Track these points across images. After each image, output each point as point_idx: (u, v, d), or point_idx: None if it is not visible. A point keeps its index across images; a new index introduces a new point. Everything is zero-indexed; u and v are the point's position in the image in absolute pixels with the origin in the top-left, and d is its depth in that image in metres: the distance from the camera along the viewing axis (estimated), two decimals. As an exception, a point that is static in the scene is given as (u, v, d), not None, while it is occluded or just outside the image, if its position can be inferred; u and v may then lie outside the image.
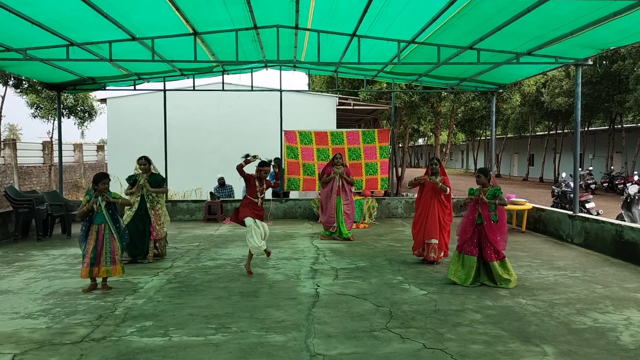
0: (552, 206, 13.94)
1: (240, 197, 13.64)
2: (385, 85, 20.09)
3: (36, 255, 8.53)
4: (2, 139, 20.42)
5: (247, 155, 7.25)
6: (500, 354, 4.32)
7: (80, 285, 6.41)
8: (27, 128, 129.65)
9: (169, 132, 13.60)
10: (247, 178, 7.24)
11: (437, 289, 6.34)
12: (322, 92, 24.45)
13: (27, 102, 21.45)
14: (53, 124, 22.80)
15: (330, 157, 12.09)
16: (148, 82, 13.16)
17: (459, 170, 61.24)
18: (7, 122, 51.74)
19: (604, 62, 24.88)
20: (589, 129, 34.26)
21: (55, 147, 21.06)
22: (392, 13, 7.87)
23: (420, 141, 66.98)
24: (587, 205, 13.43)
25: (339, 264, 7.79)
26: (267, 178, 7.37)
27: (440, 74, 11.96)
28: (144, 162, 8.01)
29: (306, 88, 33.10)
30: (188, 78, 13.04)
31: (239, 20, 8.67)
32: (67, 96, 21.36)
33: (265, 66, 12.74)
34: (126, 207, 7.88)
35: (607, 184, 28.10)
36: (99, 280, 6.40)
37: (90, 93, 21.65)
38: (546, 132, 39.24)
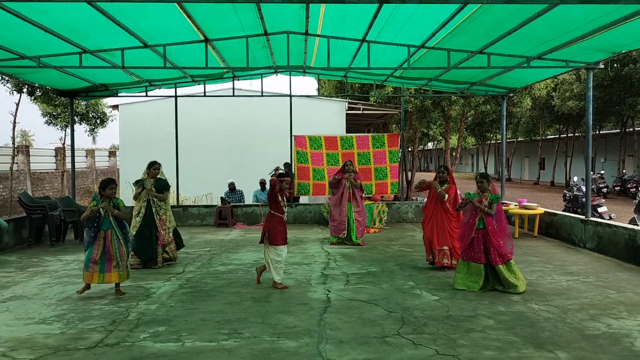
0: (563, 210, 13.85)
1: (251, 202, 13.76)
2: (393, 89, 20.09)
3: (49, 261, 8.62)
4: (15, 146, 20.59)
5: (277, 169, 7.06)
6: (514, 360, 4.30)
7: (94, 290, 6.45)
8: (40, 134, 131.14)
9: (179, 138, 13.68)
10: (276, 194, 6.81)
11: (449, 295, 6.32)
12: (331, 97, 24.50)
13: (41, 111, 21.68)
14: (65, 130, 22.99)
15: (340, 162, 12.14)
16: (159, 88, 13.28)
17: (469, 174, 60.97)
18: (20, 128, 52.26)
19: (615, 65, 24.73)
20: (601, 132, 34.02)
21: (68, 152, 21.29)
22: (402, 18, 7.90)
23: (430, 145, 66.83)
24: (600, 210, 13.34)
25: (349, 269, 7.80)
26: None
27: (450, 78, 11.96)
28: (158, 166, 8.15)
29: (315, 93, 33.18)
30: (199, 84, 13.14)
31: (250, 26, 8.74)
32: (79, 103, 21.54)
33: (275, 72, 12.82)
34: (135, 213, 7.97)
35: (619, 188, 27.87)
36: (110, 285, 6.44)
37: (101, 99, 21.81)
38: (557, 136, 39.00)
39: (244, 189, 14.42)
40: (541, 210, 11.15)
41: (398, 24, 8.15)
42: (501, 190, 13.83)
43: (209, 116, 20.68)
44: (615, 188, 28.15)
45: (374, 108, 24.18)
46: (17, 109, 19.40)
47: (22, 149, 23.22)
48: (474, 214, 6.66)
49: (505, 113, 13.68)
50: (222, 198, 13.63)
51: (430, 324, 5.18)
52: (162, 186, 8.13)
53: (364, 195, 10.53)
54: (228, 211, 12.93)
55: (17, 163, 21.66)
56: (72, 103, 13.05)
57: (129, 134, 20.89)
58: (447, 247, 7.70)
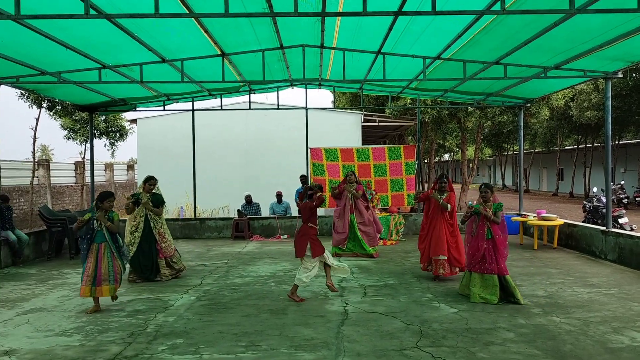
0: (583, 222, 13.64)
1: (268, 215, 13.78)
2: (409, 101, 20.07)
3: (69, 274, 8.71)
4: (36, 160, 20.94)
5: (307, 188, 7.12)
6: (535, 373, 4.23)
7: (110, 303, 6.50)
8: (59, 148, 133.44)
9: (196, 151, 13.79)
10: (316, 207, 6.91)
11: (468, 307, 6.25)
12: (347, 109, 24.54)
13: (61, 125, 22.04)
14: (85, 145, 23.33)
15: (357, 174, 12.12)
16: (177, 102, 13.41)
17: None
18: (40, 143, 53.20)
19: (634, 74, 24.42)
20: (620, 142, 33.56)
21: (87, 166, 21.57)
22: (417, 30, 7.91)
23: (447, 156, 66.44)
24: (620, 221, 13.11)
25: (367, 282, 7.76)
26: (294, 197, 7.33)
27: (466, 89, 11.92)
28: (154, 182, 8.23)
29: (331, 105, 33.27)
30: (216, 98, 13.27)
31: (266, 40, 8.82)
32: (98, 119, 21.89)
33: (291, 85, 12.90)
34: (132, 229, 7.97)
35: (639, 199, 27.41)
36: (126, 298, 6.46)
37: (120, 114, 22.12)
38: (575, 146, 38.54)
39: (260, 202, 14.48)
40: (560, 221, 11.00)
41: (413, 35, 8.17)
42: (519, 202, 13.71)
43: (226, 129, 20.85)
44: (636, 199, 27.68)
45: (390, 120, 24.17)
46: (37, 123, 19.75)
47: (43, 163, 23.60)
48: (482, 224, 6.59)
49: (522, 124, 13.57)
50: (238, 211, 13.68)
51: (449, 337, 5.13)
52: (158, 201, 8.20)
53: (378, 206, 10.46)
54: (245, 224, 12.97)
55: (37, 177, 22.00)
56: (91, 118, 13.26)
57: (147, 148, 21.14)
58: (444, 257, 7.64)
